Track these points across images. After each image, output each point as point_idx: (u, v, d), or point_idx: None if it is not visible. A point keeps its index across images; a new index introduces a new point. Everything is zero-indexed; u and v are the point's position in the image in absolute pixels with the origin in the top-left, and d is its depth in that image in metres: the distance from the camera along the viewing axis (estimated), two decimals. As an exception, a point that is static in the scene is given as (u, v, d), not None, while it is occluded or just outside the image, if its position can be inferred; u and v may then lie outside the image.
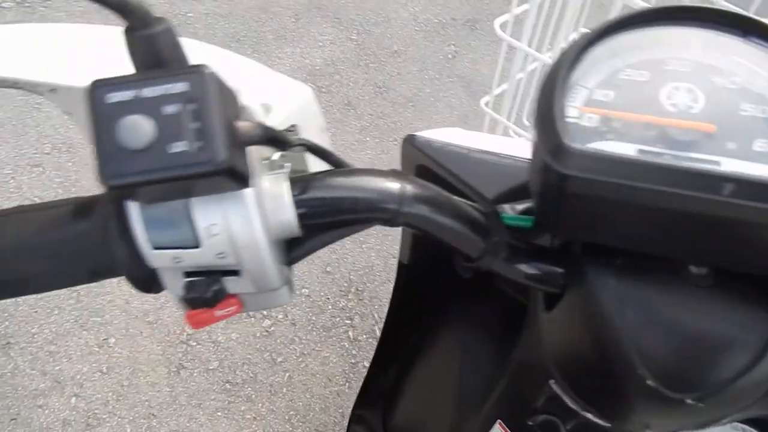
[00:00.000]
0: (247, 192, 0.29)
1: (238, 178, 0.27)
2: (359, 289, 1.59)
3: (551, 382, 0.39)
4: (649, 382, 0.31)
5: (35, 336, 1.39)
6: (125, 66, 0.27)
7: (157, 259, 0.30)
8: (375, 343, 1.49)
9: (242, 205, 0.29)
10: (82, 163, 1.66)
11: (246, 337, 1.46)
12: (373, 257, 1.64)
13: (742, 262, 0.30)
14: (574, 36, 1.24)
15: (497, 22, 1.02)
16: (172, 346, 1.42)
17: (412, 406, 0.77)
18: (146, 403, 1.34)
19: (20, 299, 1.42)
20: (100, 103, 0.25)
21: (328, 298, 1.56)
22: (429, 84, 2.12)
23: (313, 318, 1.52)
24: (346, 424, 0.88)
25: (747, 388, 0.31)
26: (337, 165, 0.37)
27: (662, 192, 0.27)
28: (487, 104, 1.19)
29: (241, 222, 0.29)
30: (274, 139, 0.31)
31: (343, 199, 0.32)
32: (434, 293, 0.70)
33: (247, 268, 0.31)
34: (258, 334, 1.47)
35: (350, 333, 1.51)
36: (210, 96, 0.25)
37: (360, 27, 2.26)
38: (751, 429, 0.45)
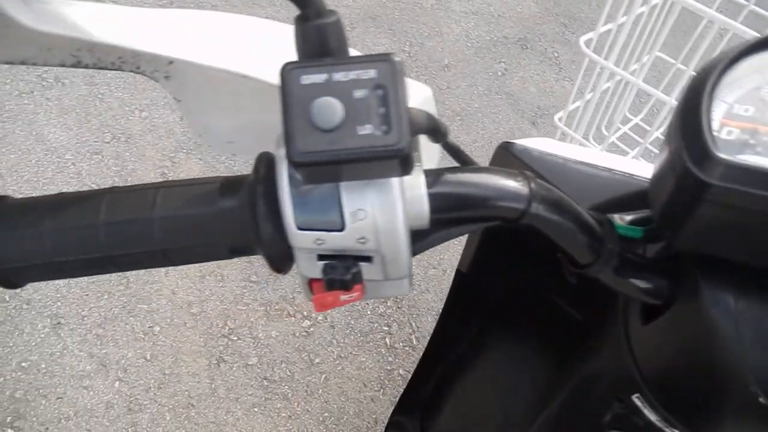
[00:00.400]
0: (394, 181, 0.30)
1: (407, 164, 0.28)
2: (398, 297, 1.60)
3: (635, 396, 0.40)
4: (762, 400, 0.31)
5: (85, 318, 1.43)
6: (246, 52, 0.29)
7: (300, 239, 0.31)
8: (411, 352, 1.50)
9: (389, 193, 0.30)
10: (138, 153, 1.71)
11: (285, 336, 1.48)
12: (413, 266, 1.65)
13: None
14: (657, 55, 1.24)
15: (582, 39, 1.03)
16: (214, 338, 1.45)
17: (454, 416, 0.77)
18: (186, 393, 1.37)
19: (72, 281, 1.46)
20: (294, 84, 0.27)
21: (367, 304, 1.57)
22: (477, 99, 2.13)
23: (352, 322, 1.53)
24: (381, 430, 0.89)
25: None
26: (467, 163, 0.38)
27: None
28: (560, 119, 1.21)
29: (388, 209, 0.30)
30: (436, 129, 0.32)
31: (473, 196, 0.33)
32: (487, 305, 0.71)
33: (383, 255, 0.31)
34: (297, 334, 1.49)
35: (387, 340, 1.52)
36: (398, 83, 0.26)
37: (413, 39, 2.28)
38: None
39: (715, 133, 0.30)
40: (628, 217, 0.39)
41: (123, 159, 1.69)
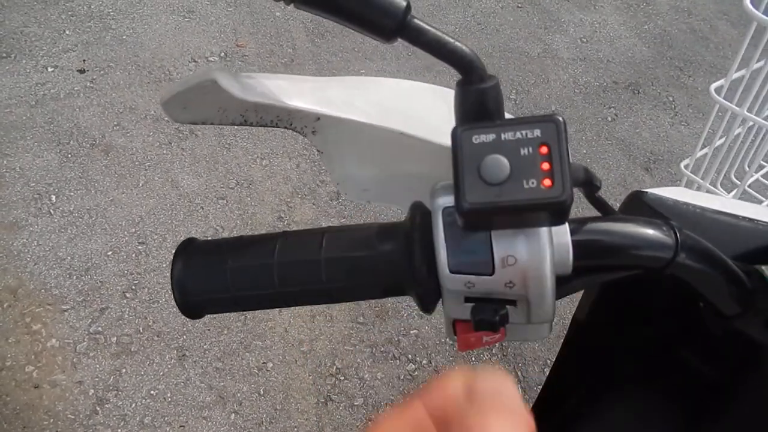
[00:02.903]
0: (543, 229, 0.32)
1: (565, 215, 0.30)
2: (504, 345, 1.58)
3: None
4: None
5: (206, 352, 1.54)
6: (387, 108, 0.32)
7: (452, 282, 0.33)
8: (518, 402, 1.47)
9: (538, 241, 0.32)
10: (258, 198, 1.84)
11: (390, 378, 1.50)
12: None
13: None
14: None
15: (712, 86, 1.02)
16: (322, 377, 1.50)
17: None
18: (295, 429, 1.42)
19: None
20: (466, 143, 0.30)
21: (473, 351, 1.56)
22: (585, 145, 2.10)
23: (456, 367, 1.53)
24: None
25: None
26: (609, 213, 0.40)
27: None
28: (686, 167, 1.17)
29: (536, 256, 0.32)
30: (590, 182, 0.34)
31: (618, 245, 0.35)
32: (604, 358, 0.69)
33: (529, 299, 0.33)
34: (402, 377, 1.51)
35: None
36: (562, 141, 0.30)
37: (519, 87, 2.31)
38: None
39: None
40: None
41: (245, 203, 1.82)
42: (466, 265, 0.33)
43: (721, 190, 1.25)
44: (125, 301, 1.60)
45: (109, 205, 1.80)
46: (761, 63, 0.85)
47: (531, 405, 0.76)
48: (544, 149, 0.29)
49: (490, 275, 0.32)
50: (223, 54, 2.28)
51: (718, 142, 1.09)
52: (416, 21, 0.32)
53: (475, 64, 0.32)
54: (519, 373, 1.53)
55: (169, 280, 0.41)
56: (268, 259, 0.37)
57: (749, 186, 1.31)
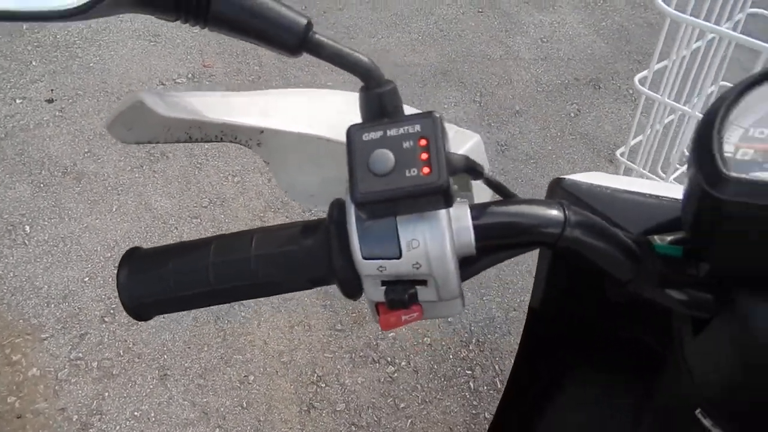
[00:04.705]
0: (442, 213, 0.36)
1: (447, 198, 0.34)
2: (480, 340, 1.61)
3: (698, 411, 0.41)
4: None
5: (188, 370, 1.55)
6: (321, 118, 0.36)
7: (365, 267, 0.36)
8: (496, 395, 1.50)
9: (438, 224, 0.36)
10: (232, 215, 1.86)
11: (371, 382, 1.53)
12: (494, 309, 1.67)
13: None
14: (713, 89, 1.24)
15: (636, 78, 1.06)
16: (304, 386, 1.52)
17: None
18: (279, 437, 1.44)
19: (176, 335, 1.60)
20: (357, 141, 0.34)
21: (450, 348, 1.60)
22: (551, 142, 2.15)
23: (435, 366, 1.56)
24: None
25: None
26: (508, 196, 0.43)
27: None
28: (622, 155, 1.22)
29: (437, 238, 0.35)
30: (472, 169, 0.38)
31: (514, 224, 0.38)
32: (563, 341, 0.72)
33: (435, 278, 0.37)
34: (382, 380, 1.53)
35: (471, 384, 1.53)
36: (438, 134, 0.33)
37: (483, 89, 2.36)
38: None
39: (730, 155, 0.33)
40: (669, 238, 0.41)
41: (219, 221, 1.85)
42: (377, 251, 0.36)
43: (661, 174, 1.30)
44: (104, 326, 1.62)
45: (84, 231, 1.81)
46: (685, 52, 0.90)
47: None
48: (423, 142, 0.33)
49: (398, 258, 0.36)
50: (190, 75, 2.31)
51: (650, 130, 1.14)
52: (317, 36, 0.36)
53: (373, 72, 0.35)
54: (496, 367, 1.56)
55: None
56: (205, 260, 0.41)
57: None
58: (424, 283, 0.37)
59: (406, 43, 2.56)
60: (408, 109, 0.51)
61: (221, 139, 0.51)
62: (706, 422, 0.40)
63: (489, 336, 1.62)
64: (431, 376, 1.55)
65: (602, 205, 0.51)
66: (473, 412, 1.48)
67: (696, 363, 0.40)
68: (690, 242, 0.40)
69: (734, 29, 0.99)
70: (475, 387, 1.53)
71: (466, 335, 1.63)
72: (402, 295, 0.37)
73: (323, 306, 1.67)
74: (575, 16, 2.74)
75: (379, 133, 0.34)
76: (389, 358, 1.57)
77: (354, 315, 1.65)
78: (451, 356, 1.59)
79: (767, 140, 0.33)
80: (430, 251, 0.36)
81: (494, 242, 0.39)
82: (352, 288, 0.39)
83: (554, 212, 0.38)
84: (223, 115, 0.48)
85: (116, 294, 0.42)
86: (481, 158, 0.48)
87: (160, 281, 0.41)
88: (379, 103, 0.36)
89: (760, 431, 0.38)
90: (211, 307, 1.49)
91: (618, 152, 1.23)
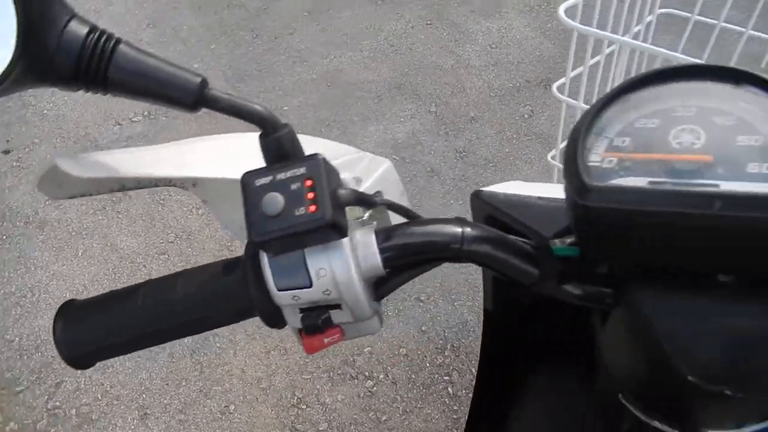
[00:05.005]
0: (345, 242, 0.39)
1: (339, 230, 0.37)
2: (455, 345, 1.64)
3: (620, 395, 0.44)
4: (691, 379, 0.36)
5: (167, 406, 1.55)
6: (247, 161, 0.39)
7: (281, 298, 0.39)
8: (474, 398, 1.53)
9: (341, 253, 0.38)
10: (199, 248, 1.87)
11: (351, 398, 1.54)
12: (466, 314, 1.70)
13: (755, 266, 0.35)
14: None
15: (555, 85, 1.10)
16: (285, 409, 1.53)
17: None
18: (265, 464, 1.44)
19: (153, 373, 1.60)
20: (251, 187, 0.37)
21: (426, 356, 1.62)
22: (507, 144, 2.20)
23: (413, 376, 1.58)
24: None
25: None
26: (412, 218, 0.46)
27: (666, 212, 0.33)
28: (553, 158, 1.26)
29: (341, 265, 0.38)
30: (363, 200, 0.40)
31: (417, 244, 0.41)
32: (521, 338, 0.75)
33: (345, 302, 0.40)
34: (362, 395, 1.55)
35: (449, 389, 1.56)
36: (321, 174, 0.36)
37: (438, 99, 2.40)
38: None
39: (597, 164, 0.36)
40: (569, 239, 0.45)
41: (186, 255, 1.85)
42: (289, 282, 0.39)
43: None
44: (79, 372, 1.61)
45: (51, 279, 1.80)
46: (599, 58, 0.94)
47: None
48: (308, 182, 0.36)
49: (310, 287, 0.39)
50: (146, 113, 2.32)
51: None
52: (213, 92, 0.38)
53: (268, 119, 0.38)
54: (473, 370, 1.59)
55: None
56: (135, 306, 0.43)
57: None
58: (338, 306, 0.40)
59: (358, 61, 2.60)
60: (325, 144, 0.54)
61: (156, 184, 0.53)
62: (630, 406, 0.43)
63: (463, 340, 1.65)
64: (410, 386, 1.57)
65: (517, 212, 0.55)
66: (454, 417, 1.50)
67: (606, 352, 0.43)
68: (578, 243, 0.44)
69: (646, 31, 1.03)
70: (453, 392, 1.55)
71: (440, 342, 1.66)
72: (316, 320, 0.40)
73: (297, 328, 1.68)
74: (521, 21, 2.81)
75: (269, 178, 0.37)
76: (367, 373, 1.59)
77: (329, 334, 1.67)
78: (427, 364, 1.61)
79: (629, 148, 0.36)
80: (338, 277, 0.38)
81: (402, 262, 0.42)
82: (274, 318, 0.42)
83: (452, 230, 0.41)
84: (148, 168, 0.51)
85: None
86: (393, 182, 0.51)
87: (94, 330, 0.43)
88: (278, 147, 0.38)
89: (663, 406, 0.41)
90: (185, 340, 1.50)
91: (549, 155, 1.27)
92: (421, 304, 1.74)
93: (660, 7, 1.05)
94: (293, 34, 2.75)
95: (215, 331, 1.66)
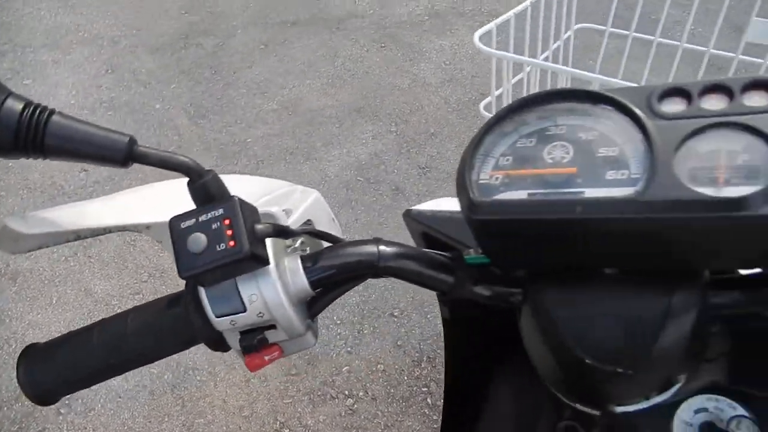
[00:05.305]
0: (271, 269, 0.43)
1: (259, 259, 0.42)
2: (431, 357, 1.68)
3: (547, 384, 0.48)
4: (588, 361, 0.41)
5: (152, 443, 1.56)
6: (191, 203, 0.44)
7: (220, 324, 0.44)
8: (451, 406, 1.57)
9: (269, 279, 0.43)
10: (173, 285, 1.89)
11: (332, 418, 1.57)
12: (439, 325, 1.73)
13: (629, 259, 0.40)
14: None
15: (482, 104, 1.16)
16: (269, 435, 1.56)
17: None
18: (253, 491, 1.46)
19: (135, 412, 1.61)
20: (177, 229, 0.42)
21: (403, 370, 1.66)
22: (468, 156, 2.27)
23: (392, 390, 1.62)
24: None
25: (661, 354, 0.40)
26: (334, 241, 0.51)
27: (538, 219, 0.38)
28: (485, 108, 1.32)
29: (270, 290, 0.43)
30: (281, 231, 0.45)
31: (339, 265, 0.46)
32: (481, 343, 0.79)
33: (278, 322, 0.44)
34: (343, 413, 1.58)
35: (428, 400, 1.59)
36: (237, 214, 0.41)
37: (397, 119, 2.47)
38: (725, 398, 0.51)
39: (485, 182, 0.41)
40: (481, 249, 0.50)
41: (161, 292, 1.87)
42: (225, 309, 0.43)
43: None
44: (61, 418, 1.61)
45: (27, 329, 1.81)
46: (521, 75, 1.01)
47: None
48: (227, 221, 0.41)
49: (245, 312, 0.43)
50: (111, 156, 2.34)
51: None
52: (141, 149, 0.43)
53: (193, 168, 0.43)
54: (449, 379, 1.63)
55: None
56: (90, 343, 0.48)
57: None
58: (274, 327, 0.45)
59: (317, 88, 2.67)
60: (257, 182, 0.58)
61: (110, 231, 0.57)
62: (556, 393, 0.48)
63: (439, 351, 1.69)
64: (389, 400, 1.60)
65: (441, 227, 0.61)
66: (434, 426, 1.54)
67: (527, 345, 0.48)
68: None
69: (565, 46, 1.10)
70: (432, 402, 1.59)
71: (417, 355, 1.70)
72: (252, 341, 0.44)
73: (275, 354, 1.71)
74: (472, 37, 2.91)
75: (193, 221, 0.41)
76: (347, 392, 1.62)
77: (306, 357, 1.70)
78: (405, 377, 1.65)
79: (511, 166, 0.41)
80: (268, 301, 0.43)
81: (328, 282, 0.47)
82: (217, 343, 0.46)
83: (369, 250, 0.46)
84: (101, 218, 0.55)
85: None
86: (322, 210, 0.56)
87: (55, 369, 0.48)
88: (205, 191, 0.43)
89: (573, 389, 0.46)
90: (165, 377, 1.53)
91: (481, 106, 1.32)
92: (395, 319, 1.79)
93: (578, 23, 1.12)
94: (251, 67, 2.81)
95: (194, 364, 1.68)
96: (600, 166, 0.38)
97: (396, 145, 2.35)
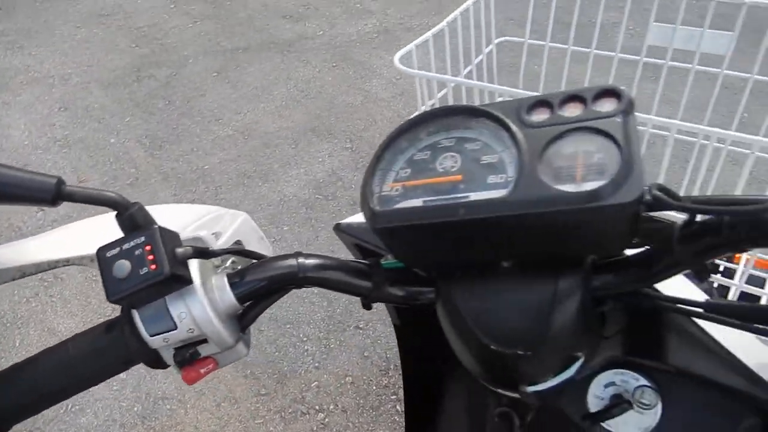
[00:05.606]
0: (197, 287, 0.46)
1: (182, 280, 0.45)
2: (397, 365, 1.71)
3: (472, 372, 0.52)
4: (493, 347, 0.44)
5: (125, 477, 1.56)
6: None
7: (155, 342, 0.46)
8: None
9: (195, 297, 0.46)
10: (138, 316, 1.90)
11: (305, 434, 1.59)
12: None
13: (520, 252, 0.44)
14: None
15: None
16: (243, 457, 1.56)
17: None
18: None
19: (107, 447, 1.61)
20: (104, 258, 0.45)
21: (371, 380, 1.69)
22: (423, 167, 2.32)
23: (361, 401, 1.64)
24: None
25: (554, 334, 0.44)
26: (258, 258, 0.54)
27: (429, 223, 0.42)
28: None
29: (197, 307, 0.46)
30: (202, 252, 0.48)
31: (262, 279, 0.50)
32: (433, 344, 0.82)
33: (208, 336, 0.47)
34: (315, 428, 1.60)
35: (398, 407, 1.62)
36: (158, 240, 0.44)
37: (352, 135, 2.52)
38: (630, 372, 0.55)
39: (387, 193, 0.45)
40: None
41: (126, 325, 1.87)
42: (158, 328, 0.46)
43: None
44: (30, 460, 1.60)
45: (-9, 374, 1.79)
46: (445, 90, 1.04)
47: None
48: (148, 247, 0.44)
49: (176, 329, 0.46)
50: (68, 194, 2.34)
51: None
52: (69, 188, 0.45)
53: (119, 202, 0.46)
54: (417, 385, 1.66)
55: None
56: (37, 371, 0.50)
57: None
58: (206, 341, 0.48)
59: (271, 111, 2.70)
60: (186, 209, 0.61)
61: (56, 266, 0.60)
62: (480, 380, 0.51)
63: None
64: (360, 411, 1.63)
65: (370, 237, 0.64)
66: (405, 432, 1.57)
67: (448, 338, 0.51)
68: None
69: (488, 60, 1.16)
70: (401, 409, 1.62)
71: (383, 364, 1.73)
72: (184, 355, 0.48)
73: (244, 376, 1.72)
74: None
75: (118, 249, 0.45)
76: (317, 406, 1.64)
77: (275, 376, 1.72)
78: (374, 387, 1.68)
79: (409, 177, 0.45)
80: (196, 317, 0.46)
81: (255, 295, 0.50)
82: (154, 361, 0.49)
83: (290, 263, 0.50)
84: (44, 253, 0.57)
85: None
86: (250, 231, 0.60)
87: (3, 399, 0.50)
88: (131, 222, 0.46)
89: (499, 377, 0.49)
90: (134, 408, 1.53)
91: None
92: (361, 331, 1.82)
93: (498, 36, 1.17)
94: (205, 95, 2.84)
95: (164, 394, 1.69)
96: (483, 172, 0.43)
97: (352, 161, 2.39)
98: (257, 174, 2.38)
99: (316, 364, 1.74)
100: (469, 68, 1.12)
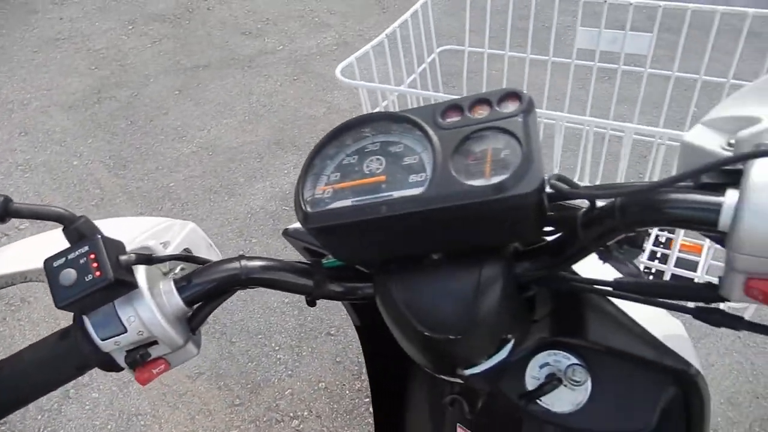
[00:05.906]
0: (144, 291, 0.49)
1: (127, 285, 0.48)
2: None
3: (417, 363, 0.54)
4: (426, 333, 0.48)
5: (102, 496, 1.56)
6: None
7: (106, 346, 0.48)
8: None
9: (142, 301, 0.49)
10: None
11: (280, 441, 1.61)
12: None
13: (445, 244, 0.47)
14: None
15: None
16: (220, 468, 1.58)
17: None
18: None
19: (82, 468, 1.60)
20: (51, 268, 0.47)
21: (344, 385, 1.72)
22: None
23: (335, 406, 1.67)
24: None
25: (481, 319, 0.47)
26: (203, 263, 0.57)
27: (355, 221, 0.45)
28: None
29: (145, 310, 0.49)
30: (147, 259, 0.51)
31: (208, 281, 0.53)
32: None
33: (158, 338, 0.50)
34: (290, 435, 1.62)
35: (371, 409, 1.66)
36: (101, 249, 0.47)
37: (315, 147, 2.55)
38: (562, 352, 0.58)
39: (319, 196, 0.48)
40: None
41: (96, 345, 1.87)
42: (108, 332, 0.49)
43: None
44: (4, 486, 1.59)
45: (-41, 402, 1.77)
46: (388, 100, 1.09)
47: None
48: (92, 256, 0.47)
49: (126, 332, 0.49)
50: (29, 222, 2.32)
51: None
52: (16, 205, 0.47)
53: (65, 216, 0.48)
54: (389, 386, 1.70)
55: None
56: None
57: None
58: (156, 342, 0.51)
59: (235, 126, 2.73)
60: (134, 222, 0.64)
61: (12, 283, 0.62)
62: (426, 369, 0.54)
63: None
64: (334, 416, 1.66)
65: (314, 240, 0.68)
66: (378, 432, 1.60)
67: (391, 330, 0.54)
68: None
69: (431, 68, 1.21)
70: (374, 410, 1.65)
71: (356, 368, 1.76)
72: (135, 357, 0.50)
73: (218, 388, 1.74)
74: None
75: (63, 259, 0.47)
76: (292, 413, 1.67)
77: (249, 387, 1.74)
78: (347, 391, 1.71)
79: (338, 180, 0.48)
80: (145, 320, 0.49)
81: (202, 298, 0.53)
82: (107, 364, 0.51)
83: (233, 266, 0.53)
84: (7, 266, 0.59)
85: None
86: (199, 239, 0.62)
87: None
88: (78, 234, 0.49)
89: (439, 363, 0.52)
90: (108, 426, 1.54)
91: None
92: (332, 337, 1.85)
93: (440, 45, 1.23)
94: (167, 113, 2.85)
95: (137, 410, 1.70)
96: (404, 173, 0.46)
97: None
98: (223, 189, 2.40)
99: (289, 372, 1.77)
100: (412, 77, 1.18)
